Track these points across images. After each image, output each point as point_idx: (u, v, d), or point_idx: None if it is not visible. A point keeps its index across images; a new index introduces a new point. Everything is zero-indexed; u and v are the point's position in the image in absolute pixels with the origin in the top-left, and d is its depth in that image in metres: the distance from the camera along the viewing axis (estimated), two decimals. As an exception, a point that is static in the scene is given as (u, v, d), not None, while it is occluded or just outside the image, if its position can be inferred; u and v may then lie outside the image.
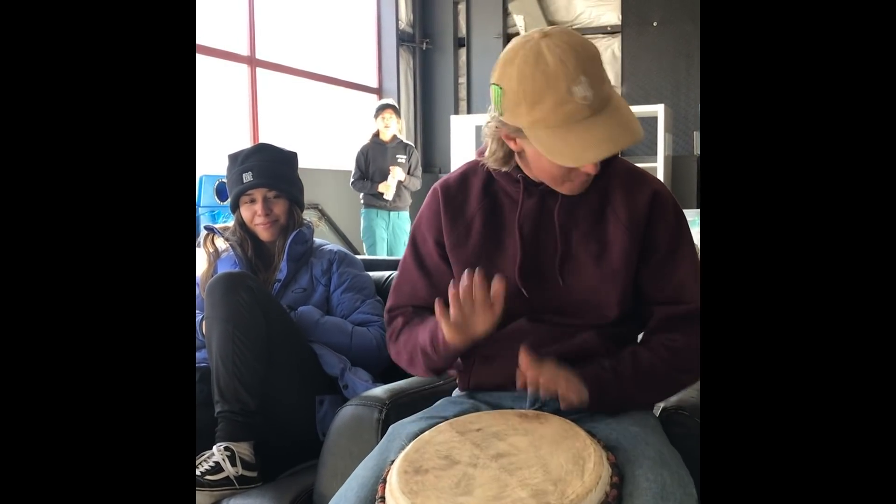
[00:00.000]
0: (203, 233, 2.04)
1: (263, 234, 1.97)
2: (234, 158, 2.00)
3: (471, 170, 1.39)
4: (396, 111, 5.42)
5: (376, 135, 5.32)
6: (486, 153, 1.30)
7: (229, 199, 2.00)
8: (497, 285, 1.17)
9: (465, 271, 1.18)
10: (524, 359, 1.20)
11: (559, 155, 1.15)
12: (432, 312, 1.34)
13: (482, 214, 1.34)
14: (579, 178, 1.24)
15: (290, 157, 2.05)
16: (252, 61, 4.91)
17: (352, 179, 5.24)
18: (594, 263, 1.28)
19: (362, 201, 5.30)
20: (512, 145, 1.26)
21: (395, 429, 1.29)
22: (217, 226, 2.04)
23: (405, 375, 1.62)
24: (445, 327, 1.21)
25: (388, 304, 1.44)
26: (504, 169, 1.31)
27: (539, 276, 1.30)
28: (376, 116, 5.33)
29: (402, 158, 5.30)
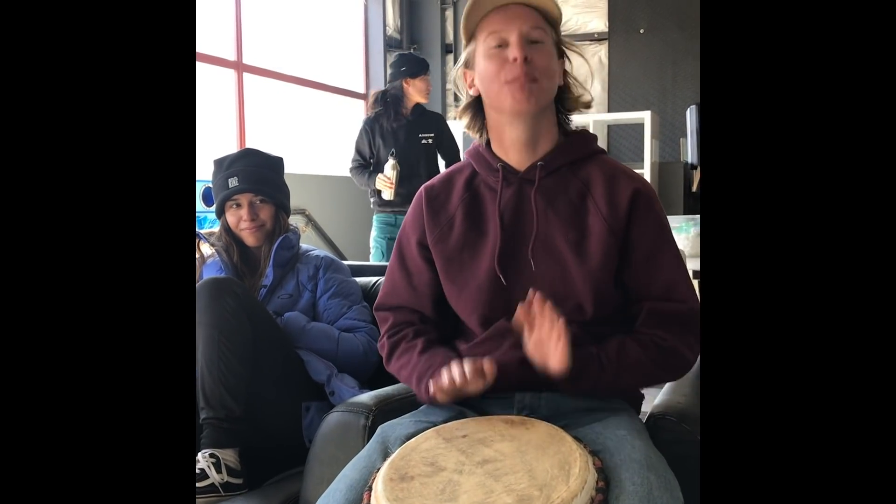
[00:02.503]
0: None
1: (249, 239, 1.97)
2: (219, 164, 1.99)
3: (456, 170, 1.43)
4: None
5: (396, 101, 3.70)
6: (458, 115, 1.42)
7: (215, 205, 1.99)
8: (489, 366, 1.20)
9: (461, 368, 1.21)
10: (533, 297, 1.19)
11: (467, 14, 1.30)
12: (417, 319, 1.39)
13: (464, 207, 1.37)
14: (514, 71, 1.27)
15: (277, 163, 2.05)
16: (239, 66, 4.90)
17: (350, 165, 3.83)
18: (572, 251, 1.28)
19: (372, 203, 3.85)
20: (472, 91, 1.36)
21: (385, 430, 1.29)
22: (203, 231, 2.03)
23: (392, 381, 1.61)
24: (438, 393, 1.24)
25: (376, 305, 1.47)
26: (476, 136, 1.40)
27: (517, 264, 1.31)
28: (416, 76, 3.69)
29: (427, 138, 3.72)
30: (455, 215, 1.37)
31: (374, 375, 1.90)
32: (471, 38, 1.34)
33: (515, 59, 1.26)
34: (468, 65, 1.36)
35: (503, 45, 1.28)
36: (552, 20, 1.32)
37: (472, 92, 1.37)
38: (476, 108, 1.39)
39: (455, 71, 1.40)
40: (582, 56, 1.37)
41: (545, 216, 1.31)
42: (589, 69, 1.41)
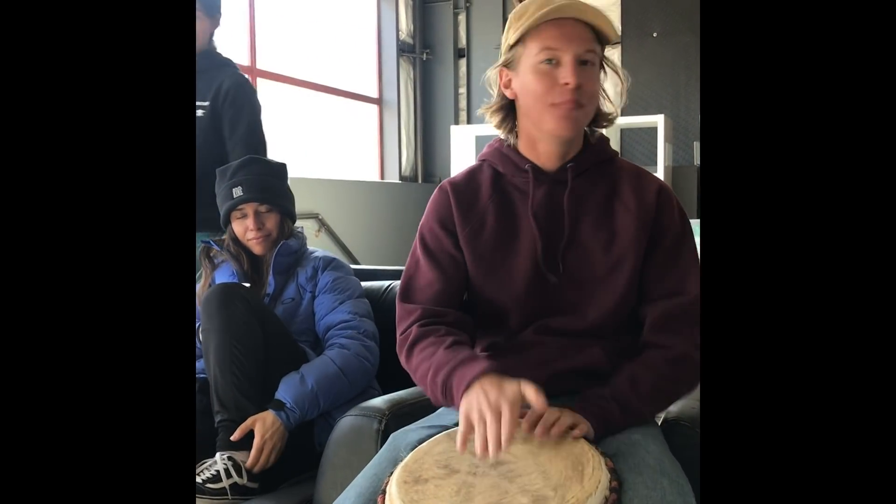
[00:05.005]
0: (200, 246, 2.03)
1: (256, 248, 1.96)
2: (223, 173, 1.98)
3: (476, 169, 1.41)
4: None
5: None
6: (488, 113, 1.36)
7: (221, 215, 1.98)
8: (535, 398, 1.11)
9: None
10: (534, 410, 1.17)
11: (527, 19, 1.24)
12: (445, 313, 1.33)
13: (494, 208, 1.34)
14: (563, 95, 1.23)
15: (280, 169, 2.03)
16: (253, 71, 4.92)
17: None
18: (602, 252, 1.29)
19: None
20: (508, 93, 1.32)
21: (397, 437, 1.29)
22: (214, 239, 2.03)
23: (405, 385, 1.61)
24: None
25: (399, 298, 1.38)
26: (504, 136, 1.36)
27: (554, 265, 1.30)
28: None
29: (200, 107, 2.33)
30: (486, 216, 1.34)
31: (389, 377, 1.89)
32: (517, 40, 1.28)
33: (567, 84, 1.23)
34: (508, 65, 1.31)
35: (554, 62, 1.24)
36: (603, 39, 1.28)
37: (507, 94, 1.33)
38: (508, 109, 1.35)
39: (491, 70, 1.35)
40: (618, 75, 1.34)
41: (577, 218, 1.31)
42: (623, 87, 1.35)
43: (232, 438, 1.64)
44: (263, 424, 1.66)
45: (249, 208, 1.94)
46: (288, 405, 1.69)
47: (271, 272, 1.93)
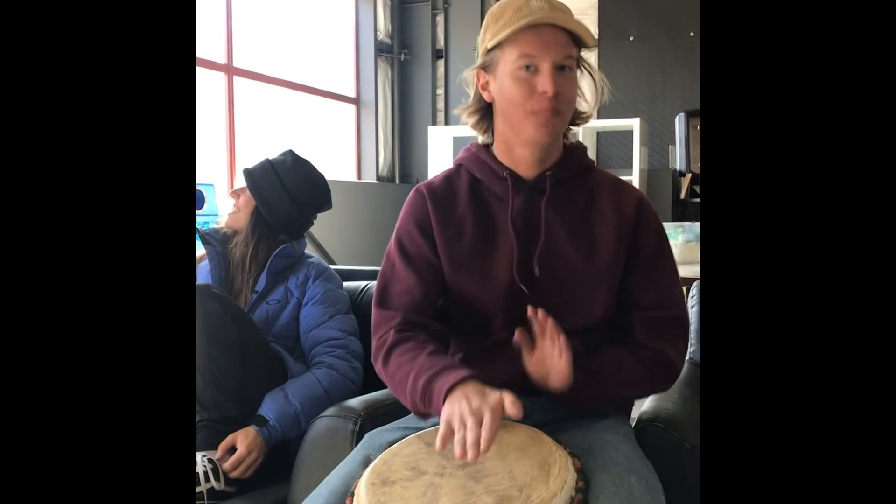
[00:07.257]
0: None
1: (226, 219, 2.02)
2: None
3: (453, 173, 1.40)
4: None
5: None
6: (465, 114, 1.35)
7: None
8: (511, 405, 1.10)
9: None
10: (534, 315, 1.18)
11: (505, 24, 1.23)
12: (424, 322, 1.32)
13: (472, 215, 1.33)
14: (541, 103, 1.23)
15: (293, 176, 1.99)
16: (229, 69, 4.89)
17: None
18: (583, 260, 1.29)
19: None
20: (486, 95, 1.31)
21: (372, 437, 1.28)
22: (201, 230, 2.02)
23: (382, 386, 1.61)
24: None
25: (376, 303, 1.36)
26: (480, 137, 1.36)
27: (531, 273, 1.30)
28: None
29: None
30: (464, 222, 1.34)
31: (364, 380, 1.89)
32: (496, 44, 1.27)
33: (545, 93, 1.23)
34: (486, 68, 1.30)
35: (532, 68, 1.24)
36: (581, 43, 1.28)
37: (485, 96, 1.32)
38: (486, 111, 1.35)
39: (468, 70, 1.34)
40: (594, 78, 1.34)
41: (555, 226, 1.31)
42: (599, 88, 1.35)
43: (216, 458, 1.62)
44: (246, 438, 1.66)
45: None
46: (271, 422, 1.69)
47: (265, 271, 1.92)
